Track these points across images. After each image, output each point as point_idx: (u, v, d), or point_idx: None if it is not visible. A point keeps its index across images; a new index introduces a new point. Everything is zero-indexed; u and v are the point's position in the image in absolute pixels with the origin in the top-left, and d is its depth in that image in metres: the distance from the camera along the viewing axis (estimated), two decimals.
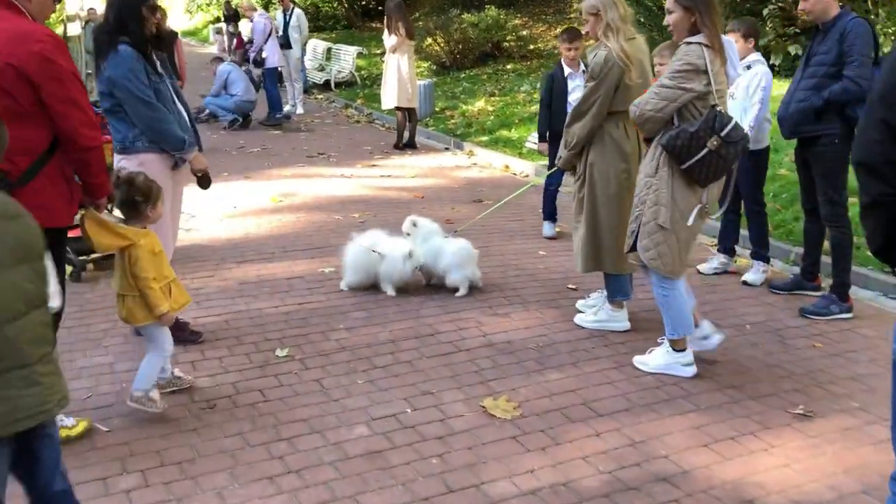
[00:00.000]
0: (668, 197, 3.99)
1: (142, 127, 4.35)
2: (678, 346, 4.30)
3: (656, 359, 4.35)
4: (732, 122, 3.92)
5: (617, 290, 4.91)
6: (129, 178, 3.72)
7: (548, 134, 6.81)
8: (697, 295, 5.59)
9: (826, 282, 5.58)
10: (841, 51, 4.86)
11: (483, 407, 3.96)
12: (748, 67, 5.73)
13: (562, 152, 4.81)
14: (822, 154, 5.08)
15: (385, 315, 5.20)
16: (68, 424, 3.68)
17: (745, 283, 5.86)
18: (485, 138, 11.67)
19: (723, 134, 3.86)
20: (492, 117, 12.78)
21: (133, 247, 3.63)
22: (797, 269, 5.78)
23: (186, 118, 4.63)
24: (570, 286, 5.75)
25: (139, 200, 3.70)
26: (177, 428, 3.76)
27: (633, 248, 4.17)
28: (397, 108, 11.35)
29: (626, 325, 4.92)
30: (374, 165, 10.35)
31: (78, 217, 3.58)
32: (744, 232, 6.18)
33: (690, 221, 4.03)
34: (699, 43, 3.95)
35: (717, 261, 6.16)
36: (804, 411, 3.99)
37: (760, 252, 5.91)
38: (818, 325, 5.14)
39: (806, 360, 4.60)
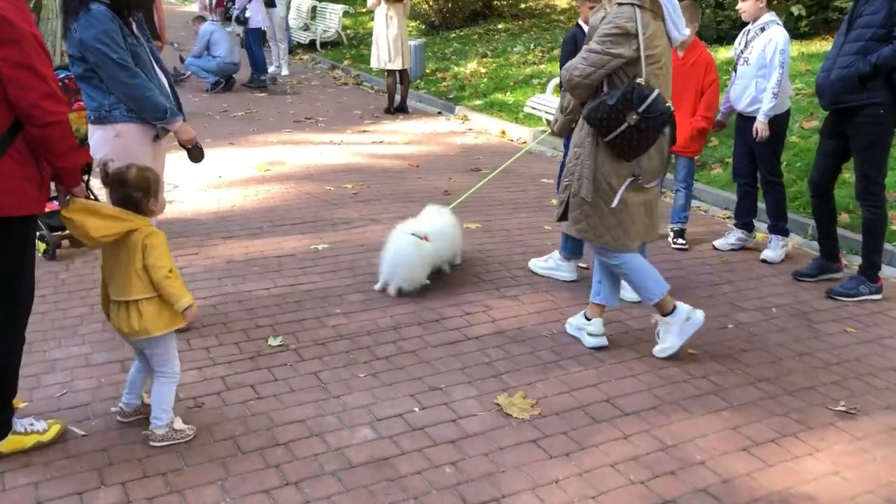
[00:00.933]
0: (591, 169, 3.90)
1: (119, 94, 3.99)
2: (666, 309, 4.08)
3: (668, 337, 4.12)
4: (653, 95, 3.71)
5: (574, 249, 5.11)
6: (119, 178, 3.16)
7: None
8: (715, 273, 5.34)
9: (848, 258, 5.28)
10: (891, 10, 4.45)
11: (498, 405, 3.67)
12: (762, 30, 5.39)
13: (557, 116, 4.69)
14: (864, 126, 4.69)
15: (384, 298, 4.89)
16: (39, 429, 3.32)
17: (763, 261, 5.54)
18: (479, 102, 11.30)
19: (641, 109, 3.68)
20: (485, 80, 12.39)
21: (140, 232, 3.11)
22: (816, 245, 5.45)
23: (167, 84, 4.26)
24: (581, 265, 5.43)
25: (139, 197, 3.16)
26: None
27: (564, 218, 4.09)
28: (387, 70, 10.88)
29: (574, 276, 5.18)
30: (364, 131, 10.02)
31: (64, 212, 3.09)
32: (760, 205, 5.86)
33: (619, 195, 3.88)
34: (631, 3, 3.75)
35: (734, 236, 5.84)
36: (847, 408, 3.69)
37: (778, 225, 5.59)
38: (847, 308, 4.84)
39: (840, 348, 4.31)
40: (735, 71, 5.60)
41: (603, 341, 4.24)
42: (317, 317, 4.60)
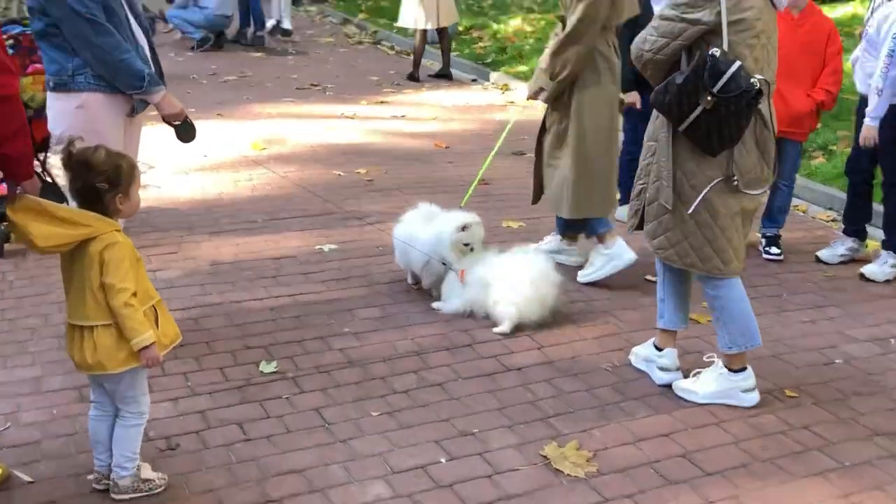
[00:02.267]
0: (669, 168, 3.79)
1: (86, 56, 3.97)
2: (735, 365, 4.00)
3: (707, 384, 4.04)
4: (731, 70, 3.54)
5: (597, 225, 5.21)
6: (83, 160, 3.00)
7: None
8: (818, 293, 5.25)
9: None
10: None
11: (545, 457, 3.58)
12: None
13: (543, 84, 4.93)
14: None
15: (405, 315, 4.82)
16: None
17: (862, 276, 5.44)
18: (523, 68, 11.25)
19: (716, 88, 3.54)
20: (531, 40, 12.34)
21: (99, 242, 2.96)
22: None
23: (146, 45, 4.23)
24: (647, 277, 5.31)
25: (103, 189, 3.00)
26: None
27: (640, 227, 4.06)
28: (419, 29, 10.81)
29: (581, 259, 5.37)
30: (382, 102, 9.98)
31: (8, 210, 2.98)
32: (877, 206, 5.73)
33: (699, 198, 3.78)
34: None
35: (843, 245, 5.71)
36: None
37: (893, 239, 5.45)
38: None
39: None
40: (862, 44, 5.49)
41: (677, 377, 4.11)
42: (321, 337, 4.54)
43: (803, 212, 6.74)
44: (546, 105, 5.12)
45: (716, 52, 3.58)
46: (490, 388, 4.11)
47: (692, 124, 3.65)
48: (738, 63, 3.57)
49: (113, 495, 3.23)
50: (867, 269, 5.45)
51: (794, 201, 6.53)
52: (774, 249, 5.71)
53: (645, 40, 3.75)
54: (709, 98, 3.57)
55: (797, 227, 6.32)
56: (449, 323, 4.71)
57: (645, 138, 3.99)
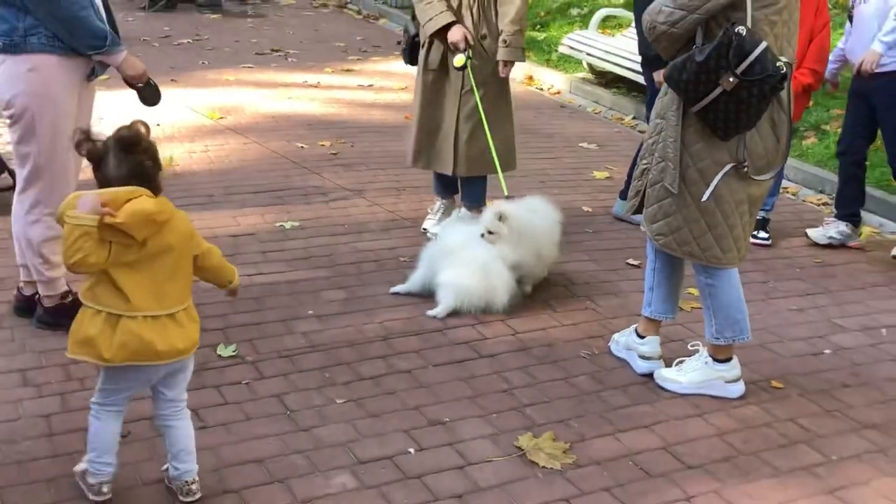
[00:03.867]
0: (676, 150, 3.78)
1: (40, 15, 3.91)
2: (721, 355, 4.07)
3: (690, 374, 4.10)
4: (758, 51, 3.55)
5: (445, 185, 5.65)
6: (131, 139, 2.94)
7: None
8: (808, 279, 5.33)
9: None
10: None
11: (519, 449, 3.63)
12: None
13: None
14: None
15: (372, 298, 4.85)
16: None
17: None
18: None
19: (740, 69, 3.54)
20: None
21: (179, 216, 3.07)
22: None
23: (100, 3, 4.18)
24: (629, 261, 5.39)
25: (151, 169, 2.98)
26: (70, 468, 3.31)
27: (639, 211, 4.07)
28: None
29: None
30: (349, 71, 9.97)
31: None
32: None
33: (711, 187, 3.78)
34: None
35: (834, 229, 5.78)
36: None
37: None
38: None
39: None
40: (850, 15, 5.52)
41: (659, 366, 4.18)
42: (282, 320, 4.55)
43: (793, 195, 6.84)
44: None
45: (741, 29, 3.55)
46: (462, 375, 4.14)
47: (708, 106, 3.64)
48: (764, 44, 3.56)
49: (187, 499, 3.20)
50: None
51: (784, 183, 6.62)
52: (762, 234, 5.79)
53: (660, 11, 3.72)
54: (731, 80, 3.55)
55: (786, 210, 6.41)
56: (418, 307, 4.74)
57: (651, 115, 4.00)
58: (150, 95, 4.27)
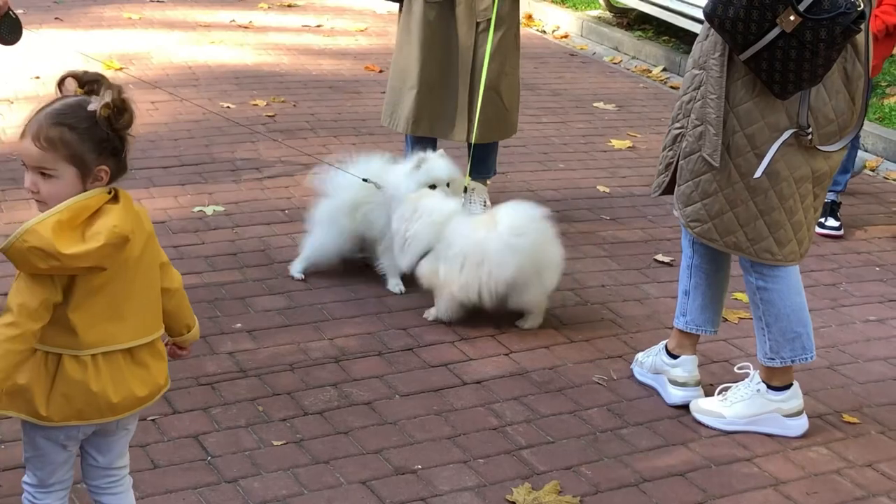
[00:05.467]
0: (718, 109, 3.83)
1: None
2: (777, 381, 4.09)
3: (736, 404, 4.13)
4: None
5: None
6: (120, 101, 2.81)
7: None
8: (890, 282, 5.31)
9: None
10: None
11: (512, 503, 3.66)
12: None
13: None
14: None
15: (322, 307, 4.85)
16: None
17: None
18: None
19: (803, 5, 3.59)
20: None
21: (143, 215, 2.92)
22: None
23: None
24: (658, 257, 5.44)
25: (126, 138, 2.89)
26: None
27: (669, 191, 4.13)
28: None
29: None
30: (290, 6, 10.05)
31: None
32: None
33: (767, 159, 3.79)
34: None
35: None
36: None
37: None
38: None
39: None
40: None
41: (696, 395, 4.21)
42: (201, 336, 4.48)
43: (872, 170, 6.89)
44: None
45: None
46: (439, 408, 4.14)
47: (761, 52, 3.66)
48: None
49: None
50: None
51: (861, 155, 6.65)
52: (831, 221, 5.83)
53: None
54: (791, 18, 3.58)
55: (862, 189, 6.45)
56: (381, 318, 4.75)
57: (688, 64, 4.02)
58: (8, 31, 4.27)
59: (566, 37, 9.62)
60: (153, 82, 7.55)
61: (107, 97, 2.76)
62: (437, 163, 4.95)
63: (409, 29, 5.46)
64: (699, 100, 3.89)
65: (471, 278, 4.61)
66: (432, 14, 5.33)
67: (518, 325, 4.76)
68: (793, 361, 4.03)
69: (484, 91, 5.31)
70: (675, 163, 4.03)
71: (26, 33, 4.46)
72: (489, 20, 5.23)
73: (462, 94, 5.39)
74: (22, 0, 9.18)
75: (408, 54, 5.47)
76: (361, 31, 9.19)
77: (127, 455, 3.08)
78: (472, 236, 4.69)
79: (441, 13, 5.32)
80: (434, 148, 5.57)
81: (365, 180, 4.92)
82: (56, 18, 8.91)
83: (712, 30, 3.80)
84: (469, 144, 5.45)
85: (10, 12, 4.28)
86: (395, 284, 5.00)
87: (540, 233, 4.74)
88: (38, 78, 7.48)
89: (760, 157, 3.80)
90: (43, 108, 2.78)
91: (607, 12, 9.76)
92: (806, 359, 4.04)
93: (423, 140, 5.57)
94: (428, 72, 5.41)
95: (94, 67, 7.61)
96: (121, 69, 7.77)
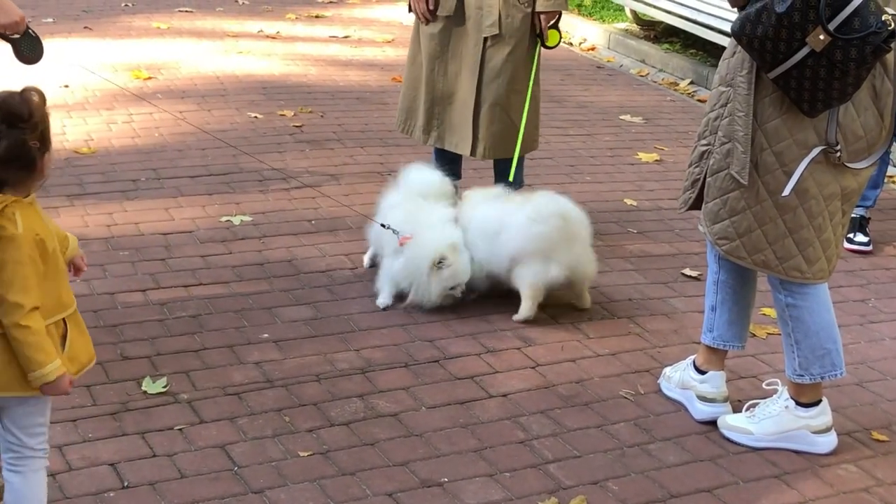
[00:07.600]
0: (746, 127, 3.82)
1: None
2: (806, 398, 4.08)
3: (764, 420, 4.12)
4: (856, 2, 3.56)
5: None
6: (22, 109, 2.92)
7: None
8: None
9: None
10: None
11: None
12: None
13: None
14: None
15: (349, 315, 4.87)
16: None
17: None
18: None
19: (833, 24, 3.56)
20: None
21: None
22: None
23: None
24: (686, 271, 5.43)
25: (35, 150, 2.95)
26: None
27: (697, 206, 4.12)
28: None
29: None
30: (318, 17, 10.05)
31: None
32: None
33: (794, 177, 3.78)
34: None
35: None
36: None
37: None
38: None
39: None
40: None
41: (723, 411, 4.19)
42: (228, 345, 4.57)
43: None
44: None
45: None
46: (465, 420, 4.14)
47: (790, 71, 3.66)
48: None
49: None
50: None
51: (890, 171, 6.63)
52: (860, 237, 5.82)
53: None
54: (821, 37, 3.57)
55: (891, 206, 6.43)
56: (407, 329, 4.76)
57: (715, 81, 4.02)
58: (29, 50, 4.26)
59: (593, 49, 9.63)
60: (181, 93, 7.61)
61: None
62: (414, 176, 5.20)
63: (419, 41, 5.53)
64: (726, 117, 3.89)
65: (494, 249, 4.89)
66: (440, 28, 5.38)
67: (514, 319, 4.85)
68: (822, 378, 4.01)
69: (489, 107, 5.41)
70: (701, 179, 4.03)
71: (55, 41, 4.46)
72: (496, 36, 5.26)
73: (468, 109, 5.40)
74: (51, 8, 9.29)
75: (418, 66, 5.54)
76: (388, 41, 9.21)
77: (41, 436, 3.11)
78: (501, 208, 4.96)
79: (449, 28, 5.38)
80: (459, 161, 5.60)
81: (383, 226, 4.97)
82: (85, 28, 8.95)
83: (739, 47, 3.80)
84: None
85: (30, 31, 4.28)
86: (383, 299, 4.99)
87: (558, 229, 4.81)
88: (66, 87, 7.50)
89: (789, 175, 3.79)
90: None
91: (634, 25, 9.76)
92: (835, 375, 4.03)
93: (445, 152, 5.59)
94: (435, 86, 5.47)
95: (122, 77, 7.71)
96: (149, 79, 7.83)
